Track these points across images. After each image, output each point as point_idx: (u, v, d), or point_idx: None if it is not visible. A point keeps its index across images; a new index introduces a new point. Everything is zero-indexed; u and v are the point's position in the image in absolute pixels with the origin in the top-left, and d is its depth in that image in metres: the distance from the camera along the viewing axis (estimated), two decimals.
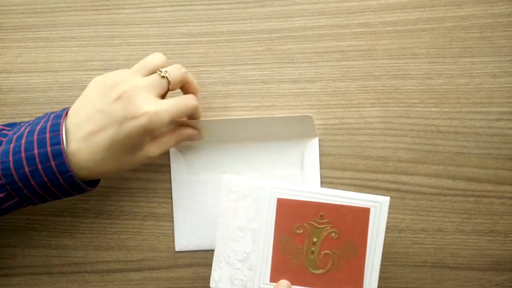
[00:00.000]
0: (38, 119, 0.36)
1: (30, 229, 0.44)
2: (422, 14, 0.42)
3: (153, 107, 0.33)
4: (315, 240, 0.35)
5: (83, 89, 0.43)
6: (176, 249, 0.43)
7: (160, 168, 0.43)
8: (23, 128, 0.35)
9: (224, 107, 0.43)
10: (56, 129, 0.33)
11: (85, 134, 0.34)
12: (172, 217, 0.43)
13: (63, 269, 0.44)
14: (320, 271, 0.35)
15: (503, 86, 0.41)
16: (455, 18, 0.41)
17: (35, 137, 0.32)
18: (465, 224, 0.41)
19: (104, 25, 0.44)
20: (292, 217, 0.35)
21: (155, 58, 0.37)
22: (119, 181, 0.43)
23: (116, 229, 0.43)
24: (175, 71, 0.36)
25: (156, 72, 0.36)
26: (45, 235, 0.44)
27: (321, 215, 0.35)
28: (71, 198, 0.43)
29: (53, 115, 0.35)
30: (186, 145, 0.42)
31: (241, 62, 0.43)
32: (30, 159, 0.32)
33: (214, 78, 0.43)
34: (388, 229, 0.42)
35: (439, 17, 0.41)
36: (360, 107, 0.42)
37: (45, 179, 0.33)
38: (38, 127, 0.33)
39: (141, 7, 0.44)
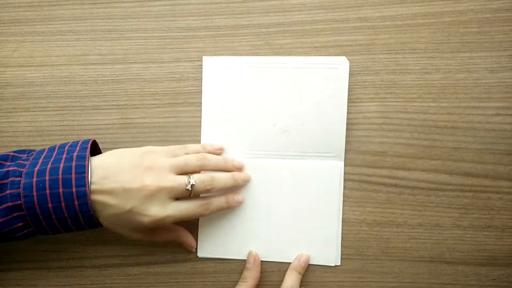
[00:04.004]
0: (57, 156, 0.36)
1: None
2: (420, 9, 0.41)
3: (160, 214, 0.36)
4: None
5: (80, 83, 0.44)
6: (199, 255, 0.43)
7: None
8: (41, 161, 0.35)
9: None
10: (81, 171, 0.34)
11: (103, 188, 0.35)
12: (198, 224, 0.43)
13: (61, 264, 0.44)
14: None
15: (501, 81, 0.41)
16: (454, 13, 0.41)
17: (60, 176, 0.34)
18: (463, 219, 0.41)
19: (101, 19, 0.44)
20: None
21: (193, 160, 0.38)
22: None
23: None
24: (200, 186, 0.37)
25: (185, 175, 0.37)
26: None
27: None
28: None
29: (74, 154, 0.36)
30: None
31: (244, 56, 0.43)
32: (55, 196, 0.34)
33: None
34: (386, 224, 0.42)
35: (438, 11, 0.41)
36: (359, 102, 0.42)
37: (66, 215, 0.34)
38: (61, 165, 0.35)
39: (138, 1, 0.43)
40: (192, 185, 0.37)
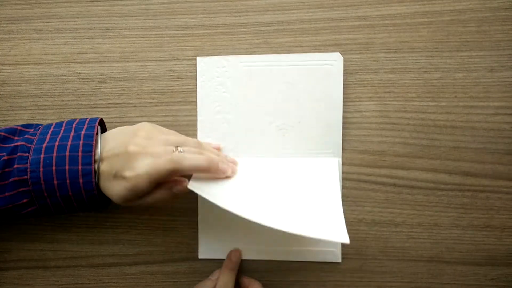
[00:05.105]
0: (65, 133, 0.36)
1: (25, 223, 0.44)
2: (420, 8, 0.41)
3: (134, 174, 0.34)
4: None
5: (78, 81, 0.43)
6: (200, 257, 0.43)
7: None
8: (49, 137, 0.36)
9: None
10: (88, 150, 0.34)
11: (105, 175, 0.35)
12: (197, 222, 0.43)
13: (58, 263, 0.43)
14: None
15: (500, 81, 0.41)
16: (453, 12, 0.41)
17: (67, 154, 0.34)
18: (462, 219, 0.41)
19: (99, 17, 0.43)
20: None
21: (190, 142, 0.37)
22: None
23: (111, 223, 0.43)
24: (190, 151, 0.36)
25: (175, 147, 0.36)
26: (40, 229, 0.44)
27: None
28: None
29: (82, 132, 0.35)
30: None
31: (238, 55, 0.42)
32: (61, 173, 0.34)
33: None
34: (385, 223, 0.41)
35: (437, 10, 0.41)
36: (357, 101, 0.42)
37: (70, 193, 0.35)
38: (69, 143, 0.35)
39: None
40: (181, 150, 0.35)
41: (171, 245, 0.43)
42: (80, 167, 0.34)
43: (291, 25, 0.42)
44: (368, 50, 0.42)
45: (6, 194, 0.35)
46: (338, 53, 0.40)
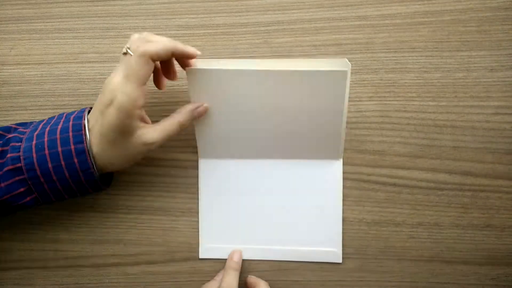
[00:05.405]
0: (56, 120, 0.36)
1: (26, 223, 0.44)
2: (420, 8, 0.41)
3: (110, 86, 0.33)
4: None
5: (78, 81, 0.43)
6: (200, 257, 0.43)
7: (156, 162, 0.43)
8: (40, 126, 0.36)
9: None
10: (78, 129, 0.34)
11: (95, 132, 0.35)
12: (198, 221, 0.43)
13: (59, 263, 0.43)
14: None
15: (500, 80, 0.41)
16: (453, 12, 0.41)
17: (58, 136, 0.34)
18: (462, 219, 0.41)
19: (99, 16, 0.43)
20: None
21: (158, 42, 0.35)
22: (114, 175, 0.43)
23: (112, 223, 0.43)
24: (134, 43, 0.34)
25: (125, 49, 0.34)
26: (40, 229, 0.44)
27: None
28: None
29: (72, 116, 0.36)
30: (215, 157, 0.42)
31: (238, 55, 0.42)
32: (54, 155, 0.34)
33: None
34: (385, 223, 0.42)
35: (437, 10, 0.41)
36: (358, 100, 0.42)
37: (67, 175, 0.34)
38: (60, 127, 0.35)
39: None
40: (128, 48, 0.34)
41: (172, 245, 0.43)
42: (72, 146, 0.34)
43: (291, 25, 0.42)
44: (368, 49, 0.42)
45: (2, 184, 0.34)
46: (346, 59, 0.36)
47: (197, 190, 0.42)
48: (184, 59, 0.37)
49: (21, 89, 0.44)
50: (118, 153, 0.35)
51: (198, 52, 0.36)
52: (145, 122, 0.39)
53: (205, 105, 0.39)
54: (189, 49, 0.35)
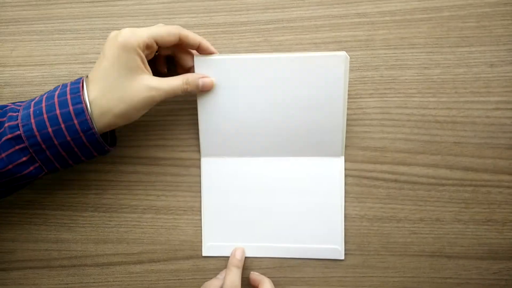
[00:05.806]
0: (53, 89, 0.36)
1: (29, 223, 0.44)
2: (419, 4, 0.41)
3: (126, 30, 0.35)
4: None
5: None
6: (204, 255, 0.43)
7: (159, 161, 0.43)
8: (37, 97, 0.35)
9: None
10: (76, 91, 0.34)
11: (94, 78, 0.35)
12: (201, 220, 0.43)
13: (63, 262, 0.44)
14: None
15: (500, 76, 0.41)
16: (453, 8, 0.41)
17: (55, 100, 0.34)
18: (463, 214, 0.41)
19: (99, 17, 0.43)
20: None
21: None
22: (117, 175, 0.43)
23: (115, 222, 0.43)
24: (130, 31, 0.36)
25: None
26: (44, 229, 0.44)
27: None
28: (70, 191, 0.43)
29: (69, 82, 0.36)
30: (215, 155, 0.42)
31: (238, 54, 0.43)
32: (53, 119, 0.33)
33: None
34: (386, 219, 0.42)
35: (437, 6, 0.41)
36: (358, 97, 0.42)
37: (68, 138, 0.34)
38: (57, 92, 0.34)
39: None
40: None
41: (175, 243, 0.43)
42: (71, 107, 0.33)
43: (291, 23, 0.42)
44: (368, 46, 0.42)
45: (3, 154, 0.33)
46: (345, 52, 0.38)
47: (200, 189, 0.43)
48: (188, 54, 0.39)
49: (23, 90, 0.44)
50: (118, 95, 0.34)
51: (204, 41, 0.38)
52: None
53: (212, 78, 0.39)
54: (194, 35, 0.38)
